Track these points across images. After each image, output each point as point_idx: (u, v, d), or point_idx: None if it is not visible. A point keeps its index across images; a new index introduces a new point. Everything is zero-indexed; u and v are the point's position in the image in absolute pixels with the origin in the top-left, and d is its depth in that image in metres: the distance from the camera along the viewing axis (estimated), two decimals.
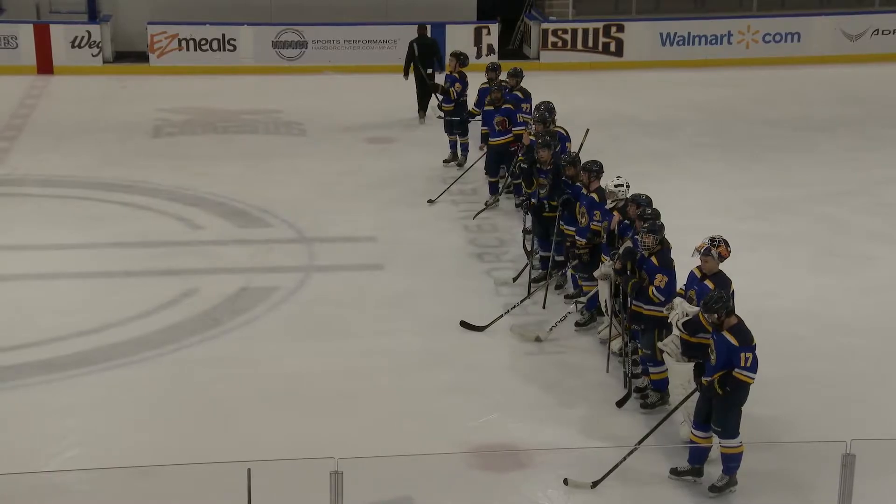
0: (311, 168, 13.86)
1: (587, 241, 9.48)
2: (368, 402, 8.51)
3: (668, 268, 8.31)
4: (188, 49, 18.24)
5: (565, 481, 7.33)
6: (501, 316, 9.66)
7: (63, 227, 11.76)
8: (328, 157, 14.27)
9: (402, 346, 9.37)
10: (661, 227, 8.36)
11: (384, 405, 8.49)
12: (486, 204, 12.32)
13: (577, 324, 9.62)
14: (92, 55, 18.01)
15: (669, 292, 8.17)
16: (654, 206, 8.70)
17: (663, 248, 8.37)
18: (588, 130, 10.60)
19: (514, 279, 10.54)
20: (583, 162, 9.81)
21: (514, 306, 9.72)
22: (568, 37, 18.87)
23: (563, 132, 11.24)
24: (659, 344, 8.09)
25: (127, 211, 12.29)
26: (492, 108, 12.30)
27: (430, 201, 12.61)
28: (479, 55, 18.16)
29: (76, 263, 10.93)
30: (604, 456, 7.50)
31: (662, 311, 8.13)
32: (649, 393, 8.48)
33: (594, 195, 9.53)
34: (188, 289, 10.33)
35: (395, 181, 13.30)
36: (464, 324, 9.56)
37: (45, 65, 17.88)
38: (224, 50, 18.34)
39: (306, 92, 17.28)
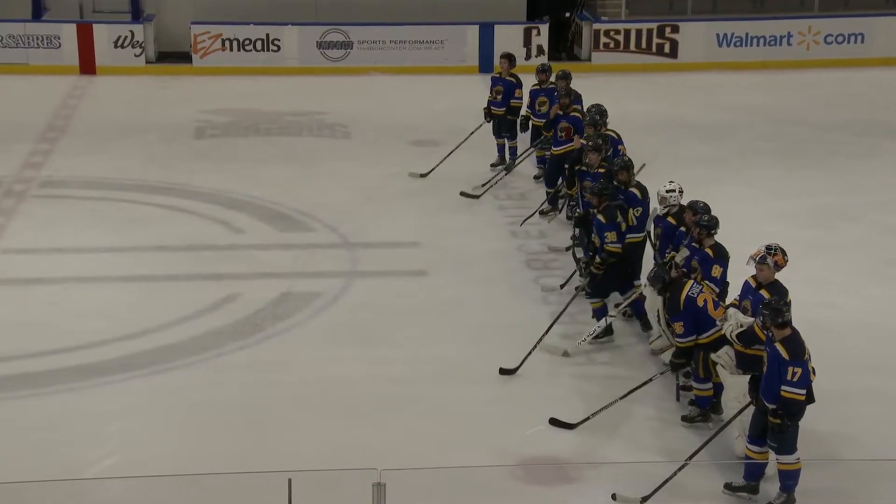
0: (354, 171, 13.93)
1: (602, 262, 9.40)
2: (411, 412, 8.53)
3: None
4: (232, 49, 18.44)
5: (613, 496, 7.32)
6: (530, 353, 9.35)
7: (104, 229, 11.93)
8: (372, 161, 14.34)
9: (446, 354, 9.39)
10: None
11: (427, 415, 8.51)
12: (540, 212, 12.24)
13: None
14: (135, 55, 18.27)
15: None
16: (706, 214, 8.68)
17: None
18: (644, 165, 10.53)
19: (562, 286, 10.53)
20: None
21: (540, 338, 9.34)
22: (620, 38, 18.82)
23: (614, 136, 11.21)
24: (713, 356, 8.04)
25: (169, 214, 12.44)
26: (560, 112, 12.22)
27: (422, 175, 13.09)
28: (528, 56, 18.17)
29: (117, 267, 11.08)
30: (654, 471, 7.46)
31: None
32: (690, 408, 8.46)
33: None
34: (230, 294, 10.43)
35: (441, 185, 13.34)
36: (555, 421, 8.60)
37: (87, 65, 18.16)
38: (268, 50, 18.52)
39: (351, 93, 17.39)
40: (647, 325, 9.43)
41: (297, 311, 10.14)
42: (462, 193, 12.91)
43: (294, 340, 9.71)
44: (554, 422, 8.33)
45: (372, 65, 18.47)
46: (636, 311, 9.61)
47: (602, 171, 10.28)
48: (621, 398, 8.36)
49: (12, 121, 15.57)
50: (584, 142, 10.89)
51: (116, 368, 9.13)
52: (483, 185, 12.94)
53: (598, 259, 9.37)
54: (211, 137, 15.38)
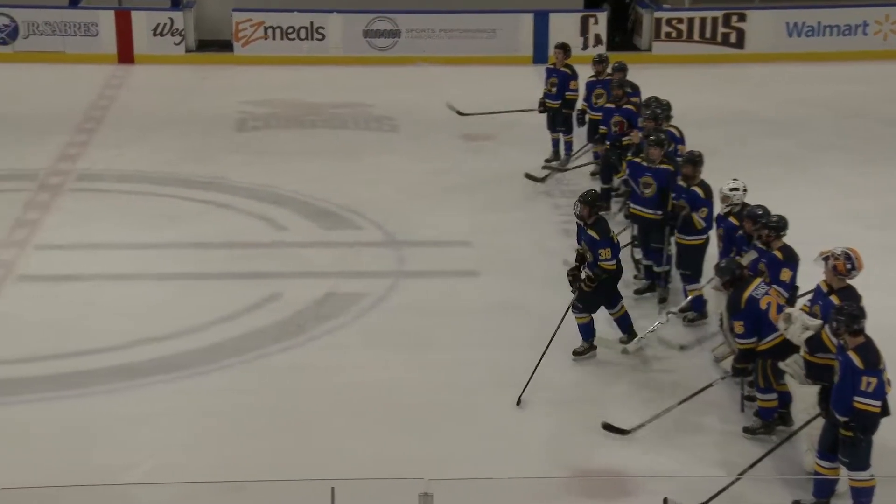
0: (402, 166, 13.96)
1: (594, 279, 9.13)
2: (459, 419, 8.54)
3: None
4: (274, 38, 18.55)
5: (665, 501, 7.24)
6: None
7: (141, 225, 12.06)
8: (420, 155, 14.36)
9: (497, 359, 9.39)
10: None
11: (477, 423, 8.52)
12: None
13: (574, 352, 9.41)
14: (174, 44, 18.44)
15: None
16: (774, 215, 8.63)
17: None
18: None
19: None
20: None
21: (542, 356, 9.10)
22: (683, 27, 18.70)
23: (675, 132, 11.15)
24: (781, 364, 7.96)
25: (208, 209, 12.55)
26: (612, 105, 12.20)
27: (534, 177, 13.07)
28: (585, 46, 18.11)
29: (154, 264, 11.19)
30: (715, 484, 7.41)
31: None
32: (753, 419, 8.39)
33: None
34: (271, 293, 10.50)
35: (493, 182, 13.33)
36: (608, 426, 8.49)
37: (125, 53, 18.36)
38: (312, 39, 18.61)
39: (398, 85, 17.42)
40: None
41: (341, 312, 10.19)
42: (527, 175, 12.93)
43: (338, 343, 9.76)
44: (607, 426, 8.32)
45: (420, 54, 18.49)
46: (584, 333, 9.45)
47: (665, 166, 10.19)
48: (679, 404, 8.32)
49: (48, 111, 15.78)
50: (643, 135, 10.83)
51: (153, 370, 9.23)
52: (545, 167, 13.09)
53: (590, 275, 9.13)
54: (252, 129, 15.49)
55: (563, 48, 13.69)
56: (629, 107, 12.03)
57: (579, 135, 13.41)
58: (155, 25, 18.40)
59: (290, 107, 16.35)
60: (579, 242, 9.32)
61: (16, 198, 12.66)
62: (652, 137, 10.39)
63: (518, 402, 8.67)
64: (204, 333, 9.76)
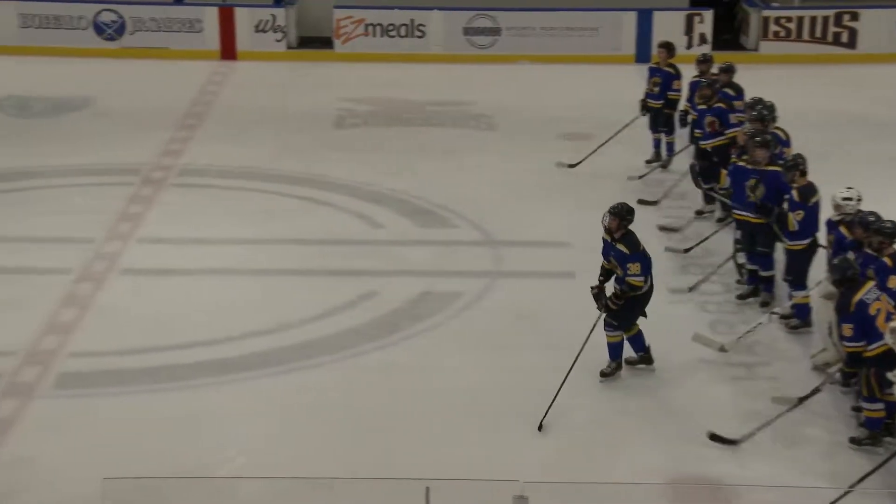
0: (500, 165, 13.95)
1: (621, 295, 8.77)
2: (555, 423, 8.49)
3: None
4: (375, 35, 18.68)
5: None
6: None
7: (241, 221, 12.24)
8: (519, 154, 14.33)
9: (594, 363, 9.31)
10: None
11: (572, 427, 8.46)
12: (697, 213, 12.11)
13: (602, 373, 9.07)
14: (276, 40, 18.68)
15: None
16: (887, 221, 8.42)
17: None
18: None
19: (690, 288, 10.39)
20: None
21: (562, 382, 8.70)
22: (793, 26, 18.36)
23: (781, 134, 10.95)
24: (889, 375, 7.77)
25: (305, 206, 12.69)
26: (704, 106, 12.05)
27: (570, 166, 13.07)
28: (689, 45, 17.89)
29: (253, 259, 11.35)
30: (819, 496, 7.26)
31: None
32: (859, 429, 8.19)
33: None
34: (367, 291, 10.57)
35: (592, 182, 13.24)
36: (715, 436, 8.36)
37: (228, 50, 18.65)
38: (412, 36, 18.70)
39: (498, 83, 17.41)
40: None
41: (436, 312, 10.21)
42: (640, 201, 12.71)
43: (433, 342, 9.78)
44: (714, 437, 8.18)
45: (521, 53, 18.45)
46: (612, 353, 9.10)
47: (773, 167, 9.99)
48: (787, 411, 8.15)
49: (152, 107, 16.11)
50: (747, 136, 10.65)
51: (249, 365, 9.36)
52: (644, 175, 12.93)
53: (616, 291, 8.78)
54: (351, 127, 15.61)
55: (667, 47, 13.54)
56: (720, 105, 11.86)
57: (682, 135, 13.24)
58: (257, 22, 18.66)
59: (389, 104, 16.44)
60: (606, 258, 8.93)
61: (120, 192, 12.95)
62: (758, 138, 10.20)
63: (539, 428, 8.34)
64: (300, 330, 9.86)
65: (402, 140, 15.00)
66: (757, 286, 10.29)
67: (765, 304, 10.12)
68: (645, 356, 9.16)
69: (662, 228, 11.94)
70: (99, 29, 18.57)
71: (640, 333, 9.10)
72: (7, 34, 18.49)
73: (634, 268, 8.69)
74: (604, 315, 8.87)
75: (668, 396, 8.89)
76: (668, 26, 17.87)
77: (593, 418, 8.58)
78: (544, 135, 14.92)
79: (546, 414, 8.40)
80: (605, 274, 8.98)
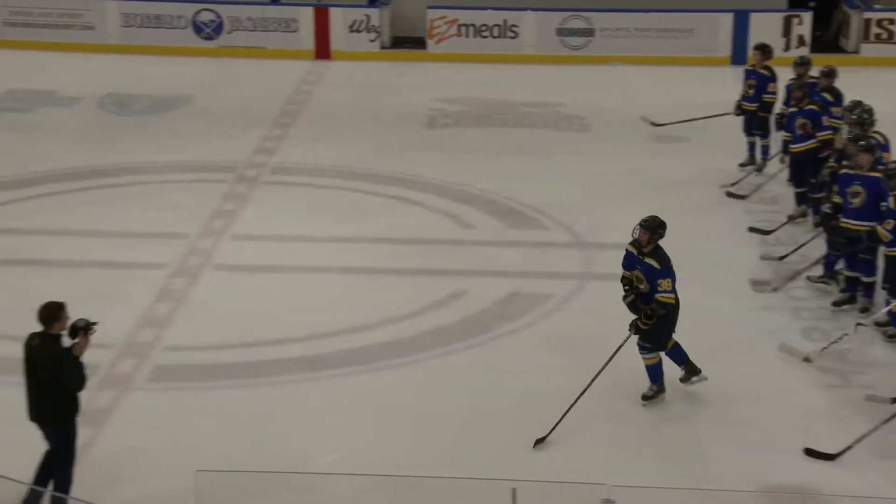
0: (591, 166, 13.90)
1: (651, 315, 8.42)
2: (644, 429, 8.45)
3: None
4: (467, 35, 18.72)
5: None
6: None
7: (332, 219, 12.37)
8: (611, 156, 14.27)
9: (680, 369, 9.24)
10: None
11: (662, 433, 8.41)
12: (789, 217, 11.93)
13: (644, 397, 8.75)
14: (369, 40, 18.83)
15: None
16: None
17: None
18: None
19: (775, 289, 10.25)
20: None
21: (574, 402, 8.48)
22: None
23: (880, 139, 10.73)
24: None
25: (397, 205, 12.77)
26: (795, 108, 11.86)
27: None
28: (787, 48, 17.62)
29: (343, 258, 11.47)
30: None
31: None
32: None
33: None
34: (456, 290, 10.61)
35: (684, 185, 13.12)
36: (811, 452, 8.14)
37: (322, 49, 18.85)
38: (505, 37, 18.70)
39: (591, 84, 17.35)
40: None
41: (525, 313, 10.21)
42: (728, 194, 12.64)
43: (522, 343, 9.78)
44: (810, 452, 8.04)
45: (614, 54, 18.34)
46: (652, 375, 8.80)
47: (874, 173, 9.80)
48: (884, 422, 7.98)
49: (248, 105, 16.36)
50: (849, 140, 10.46)
51: (338, 362, 9.46)
52: (739, 182, 12.79)
53: (647, 311, 8.47)
54: (442, 127, 15.67)
55: (763, 49, 13.36)
56: (813, 107, 11.66)
57: (777, 139, 13.04)
58: (352, 22, 18.82)
59: (480, 105, 16.47)
60: (629, 269, 8.67)
61: (215, 188, 13.18)
62: (862, 143, 10.01)
63: (542, 440, 8.10)
64: (389, 328, 9.93)
65: (494, 141, 15.01)
66: (854, 293, 10.11)
67: (864, 311, 9.94)
68: (690, 367, 8.78)
69: (753, 230, 11.78)
70: (197, 28, 18.92)
71: (676, 345, 8.75)
72: (110, 33, 18.93)
73: (665, 283, 8.42)
74: (632, 334, 8.57)
75: (760, 405, 8.77)
76: (765, 28, 17.61)
77: (683, 427, 8.49)
78: (637, 137, 14.82)
79: (552, 430, 8.15)
80: (630, 284, 8.67)
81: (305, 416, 8.67)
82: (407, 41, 19.29)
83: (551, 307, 10.37)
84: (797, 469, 7.93)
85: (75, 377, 7.13)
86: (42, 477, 7.27)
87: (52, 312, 7.13)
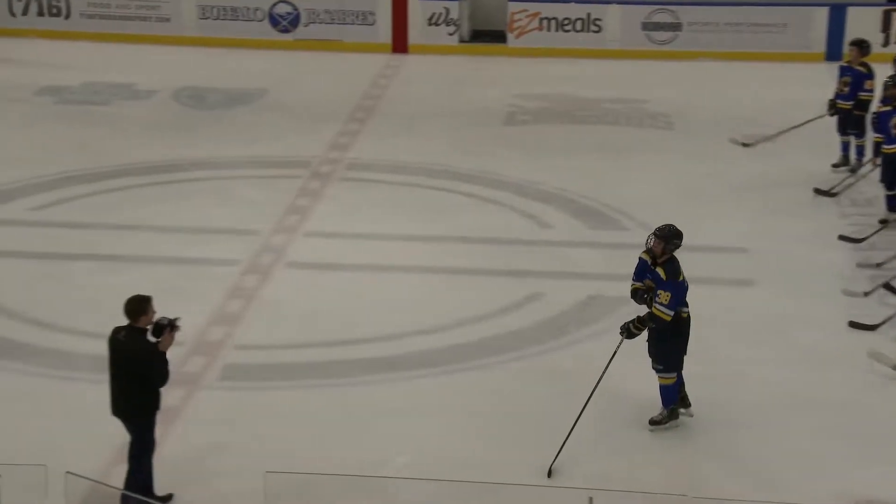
0: (676, 166, 13.78)
1: (641, 323, 8.14)
2: (732, 439, 8.32)
3: None
4: (549, 29, 18.66)
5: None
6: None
7: (407, 217, 12.40)
8: (697, 155, 14.14)
9: (771, 376, 9.10)
10: None
11: (751, 445, 8.27)
12: (880, 222, 11.72)
13: (651, 421, 8.42)
14: (448, 34, 18.85)
15: None
16: None
17: None
18: None
19: (866, 293, 10.11)
20: None
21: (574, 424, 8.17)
22: None
23: None
24: None
25: (474, 203, 12.76)
26: (889, 108, 11.61)
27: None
28: (886, 43, 17.28)
29: (417, 257, 11.48)
30: None
31: None
32: None
33: None
34: (533, 293, 10.56)
35: (774, 185, 12.95)
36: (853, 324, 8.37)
37: (400, 43, 18.91)
38: (588, 31, 18.60)
39: (677, 80, 17.20)
40: None
41: (605, 317, 10.12)
42: (816, 191, 12.47)
43: (601, 349, 9.59)
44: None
45: (702, 49, 18.13)
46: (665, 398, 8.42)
47: None
48: None
49: (323, 99, 16.49)
50: None
51: (413, 364, 9.45)
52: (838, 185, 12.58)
53: (641, 316, 8.22)
54: (522, 124, 15.63)
55: (860, 45, 13.12)
56: None
57: (873, 139, 12.80)
58: (430, 15, 18.86)
59: (561, 101, 16.40)
60: (640, 278, 8.40)
61: (290, 184, 13.28)
62: None
63: (549, 474, 7.81)
64: (464, 330, 9.92)
65: (575, 138, 14.94)
66: None
67: None
68: (672, 412, 8.42)
69: (843, 238, 11.56)
70: (274, 21, 19.09)
71: (676, 383, 8.41)
72: (186, 25, 19.20)
73: (664, 296, 8.11)
74: (624, 339, 8.28)
75: (854, 414, 8.60)
76: (862, 23, 17.31)
77: (773, 438, 8.34)
78: (724, 136, 14.60)
79: (556, 458, 7.89)
80: (635, 295, 8.40)
81: (377, 418, 8.67)
82: (487, 35, 19.27)
83: (632, 311, 10.20)
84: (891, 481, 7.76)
85: (161, 372, 7.24)
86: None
87: (138, 306, 7.23)
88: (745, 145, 13.59)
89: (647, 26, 18.41)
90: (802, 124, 13.42)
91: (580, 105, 16.23)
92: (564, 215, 12.37)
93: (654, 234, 8.33)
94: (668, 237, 8.29)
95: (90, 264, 11.19)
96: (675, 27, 18.35)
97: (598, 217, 12.31)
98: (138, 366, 7.19)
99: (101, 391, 7.48)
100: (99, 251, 11.47)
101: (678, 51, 18.22)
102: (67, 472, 6.63)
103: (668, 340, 8.32)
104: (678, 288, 8.21)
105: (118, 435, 7.46)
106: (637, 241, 11.70)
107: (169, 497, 7.50)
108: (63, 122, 15.56)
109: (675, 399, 8.44)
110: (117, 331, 7.29)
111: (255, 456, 7.96)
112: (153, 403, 7.33)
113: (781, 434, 8.40)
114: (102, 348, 7.39)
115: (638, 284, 8.43)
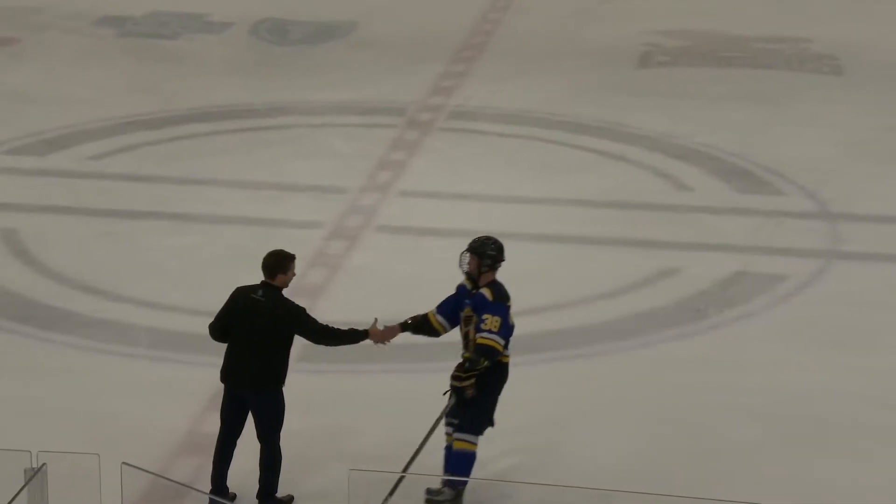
0: (843, 119, 13.65)
1: (472, 363, 7.32)
2: (886, 442, 8.19)
3: None
4: None
5: None
6: None
7: (518, 175, 12.42)
8: (869, 106, 14.01)
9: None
10: None
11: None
12: None
13: (428, 492, 7.47)
14: None
15: None
16: None
17: None
18: None
19: None
20: None
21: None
22: None
23: None
24: None
25: (596, 160, 12.74)
26: None
27: None
28: None
29: (531, 222, 11.48)
30: None
31: None
32: None
33: None
34: (667, 267, 10.53)
35: None
36: None
37: None
38: None
39: (847, 16, 16.96)
40: None
41: (753, 297, 10.07)
42: None
43: (746, 335, 9.63)
44: None
45: None
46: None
47: None
48: None
49: (423, 35, 16.53)
50: None
51: (522, 348, 9.32)
52: None
53: (469, 356, 7.50)
54: (658, 66, 15.53)
55: None
56: None
57: None
58: None
59: (706, 39, 16.26)
60: (452, 310, 7.77)
61: (381, 134, 13.36)
62: None
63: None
64: (583, 309, 9.91)
65: (721, 83, 14.85)
66: None
67: None
68: (457, 495, 7.46)
69: None
70: None
71: (473, 453, 7.53)
72: None
73: (491, 321, 7.40)
74: (450, 400, 7.48)
75: None
76: None
77: None
78: None
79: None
80: (420, 326, 7.79)
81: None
82: None
83: (786, 291, 10.18)
84: None
85: (317, 327, 7.39)
86: (227, 455, 7.48)
87: (282, 262, 7.39)
88: None
89: None
90: None
91: (727, 44, 16.12)
92: (707, 175, 12.30)
93: (468, 249, 7.77)
94: (482, 251, 7.75)
95: (152, 223, 11.39)
96: None
97: (748, 178, 12.23)
98: (284, 328, 7.32)
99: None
100: (163, 209, 11.67)
101: None
102: (123, 464, 6.75)
103: (489, 392, 7.53)
104: (507, 315, 7.56)
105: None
106: (794, 207, 11.61)
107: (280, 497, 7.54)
108: (125, 58, 15.86)
109: (467, 471, 7.46)
110: (250, 289, 7.37)
111: (339, 448, 8.07)
112: (284, 372, 7.42)
113: None
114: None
115: (434, 315, 7.80)
